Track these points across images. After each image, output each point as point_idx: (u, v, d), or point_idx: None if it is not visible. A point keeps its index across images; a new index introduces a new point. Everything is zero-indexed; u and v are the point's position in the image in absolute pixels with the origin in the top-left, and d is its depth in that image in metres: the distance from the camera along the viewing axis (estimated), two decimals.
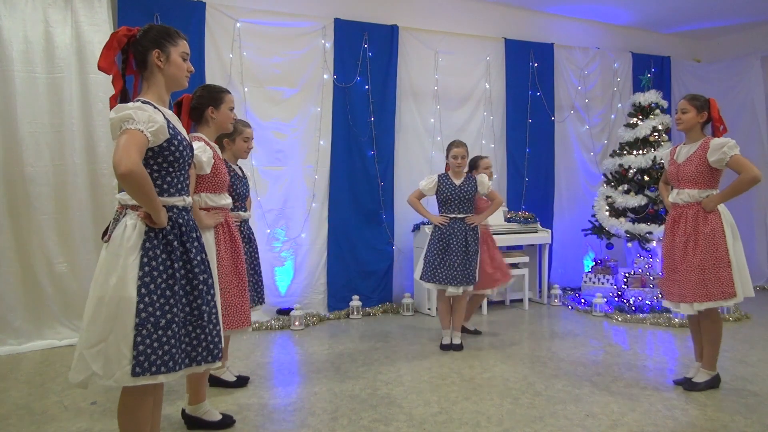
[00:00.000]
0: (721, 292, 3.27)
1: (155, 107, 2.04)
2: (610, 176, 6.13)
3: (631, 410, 3.15)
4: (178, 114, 2.77)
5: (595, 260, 6.26)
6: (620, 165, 5.95)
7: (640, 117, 6.05)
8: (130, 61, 2.11)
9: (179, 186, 2.13)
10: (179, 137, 2.09)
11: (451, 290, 4.23)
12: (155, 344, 1.96)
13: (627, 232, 5.71)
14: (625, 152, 5.99)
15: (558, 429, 2.92)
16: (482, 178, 4.36)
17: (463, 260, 4.22)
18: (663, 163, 3.78)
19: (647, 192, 5.71)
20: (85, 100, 4.51)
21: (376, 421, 3.02)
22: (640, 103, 6.09)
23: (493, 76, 6.22)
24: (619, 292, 5.74)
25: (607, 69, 6.86)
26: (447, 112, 6.00)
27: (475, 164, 4.70)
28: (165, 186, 2.07)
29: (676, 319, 5.05)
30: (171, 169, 2.08)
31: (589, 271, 6.18)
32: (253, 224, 3.69)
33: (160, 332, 1.97)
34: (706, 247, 3.29)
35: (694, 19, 6.80)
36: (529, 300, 5.92)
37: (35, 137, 4.37)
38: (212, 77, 4.90)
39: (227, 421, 2.93)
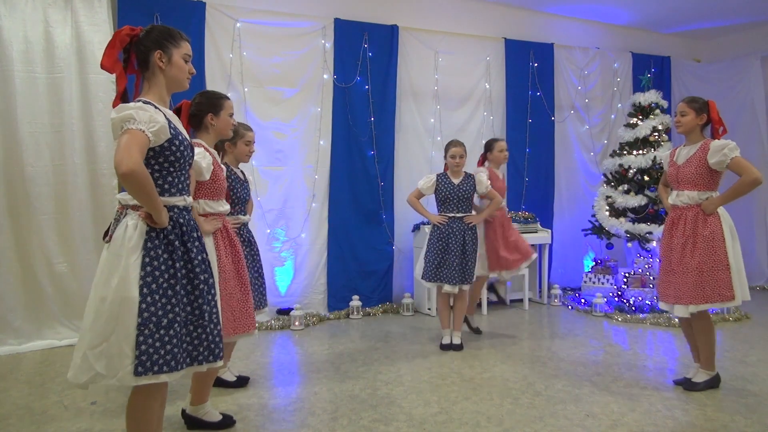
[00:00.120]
0: (718, 295, 3.27)
1: (156, 107, 2.03)
2: (610, 176, 6.13)
3: (631, 410, 3.15)
4: None
5: (595, 260, 6.26)
6: (620, 165, 5.96)
7: (640, 117, 6.05)
8: (131, 61, 2.11)
9: (180, 186, 2.13)
10: (180, 137, 2.09)
11: (447, 288, 4.23)
12: (157, 344, 1.96)
13: (627, 232, 5.72)
14: (625, 152, 5.99)
15: (558, 429, 2.92)
16: (480, 178, 4.36)
17: (460, 259, 4.22)
18: (663, 164, 3.77)
19: (647, 192, 5.71)
20: (85, 100, 4.51)
21: (376, 421, 3.02)
22: (640, 103, 6.09)
23: (493, 76, 6.22)
24: (619, 292, 5.74)
25: (607, 69, 6.86)
26: (447, 112, 6.00)
27: (489, 147, 4.70)
28: (166, 186, 2.08)
29: (676, 320, 5.05)
30: (172, 169, 2.08)
31: (589, 271, 6.18)
32: (253, 225, 3.68)
33: (162, 332, 1.97)
34: (705, 249, 3.28)
35: (694, 19, 6.80)
36: (529, 300, 5.92)
37: (35, 137, 4.37)
38: (212, 77, 4.91)
39: (227, 421, 2.93)
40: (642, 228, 5.60)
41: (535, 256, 4.83)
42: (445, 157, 4.38)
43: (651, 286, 5.60)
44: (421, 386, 3.55)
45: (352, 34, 5.46)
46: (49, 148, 4.42)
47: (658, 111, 6.00)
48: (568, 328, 5.03)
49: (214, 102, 2.87)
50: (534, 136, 6.37)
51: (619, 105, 6.90)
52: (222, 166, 2.95)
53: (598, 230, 6.05)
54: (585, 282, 6.11)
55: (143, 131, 1.92)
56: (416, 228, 5.69)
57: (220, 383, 3.45)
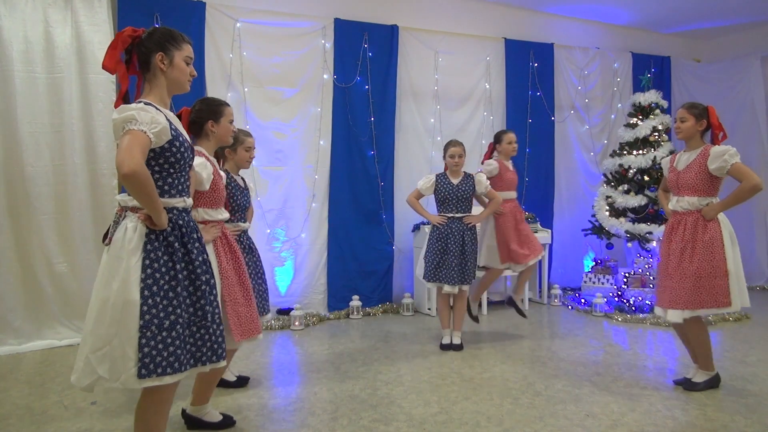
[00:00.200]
0: (714, 301, 3.27)
1: (157, 109, 2.03)
2: (610, 176, 6.13)
3: (631, 410, 3.15)
4: None
5: (595, 260, 6.26)
6: (620, 165, 5.96)
7: (640, 117, 6.05)
8: (133, 62, 2.11)
9: (180, 187, 2.13)
10: (181, 138, 2.10)
11: (446, 288, 4.23)
12: (160, 346, 1.96)
13: (627, 232, 5.72)
14: (625, 152, 5.99)
15: (558, 429, 2.92)
16: (480, 178, 4.37)
17: (460, 260, 4.22)
18: (663, 169, 3.77)
19: (647, 192, 5.71)
20: (85, 100, 4.51)
21: (376, 421, 3.02)
22: (640, 103, 6.09)
23: (493, 76, 6.22)
24: (619, 292, 5.74)
25: (607, 69, 6.86)
26: (447, 112, 6.00)
27: (498, 139, 4.71)
28: (166, 187, 2.08)
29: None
30: (172, 170, 2.08)
31: (589, 271, 6.18)
32: (253, 225, 3.68)
33: (164, 333, 1.97)
34: (704, 255, 3.28)
35: (694, 19, 6.80)
36: (529, 300, 5.92)
37: (35, 137, 4.37)
38: (212, 77, 4.91)
39: (227, 421, 2.94)
40: (642, 228, 5.60)
41: (543, 253, 4.82)
42: (444, 156, 4.39)
43: (651, 286, 5.60)
44: (421, 386, 3.55)
45: (352, 34, 5.46)
46: (49, 148, 4.42)
47: (658, 111, 6.00)
48: (568, 328, 5.04)
49: (215, 109, 2.86)
50: (534, 136, 6.37)
51: (619, 105, 6.90)
52: (222, 173, 2.94)
53: (598, 230, 6.05)
54: (585, 282, 6.11)
55: (145, 132, 1.92)
56: (416, 228, 5.69)
57: (221, 383, 3.45)
